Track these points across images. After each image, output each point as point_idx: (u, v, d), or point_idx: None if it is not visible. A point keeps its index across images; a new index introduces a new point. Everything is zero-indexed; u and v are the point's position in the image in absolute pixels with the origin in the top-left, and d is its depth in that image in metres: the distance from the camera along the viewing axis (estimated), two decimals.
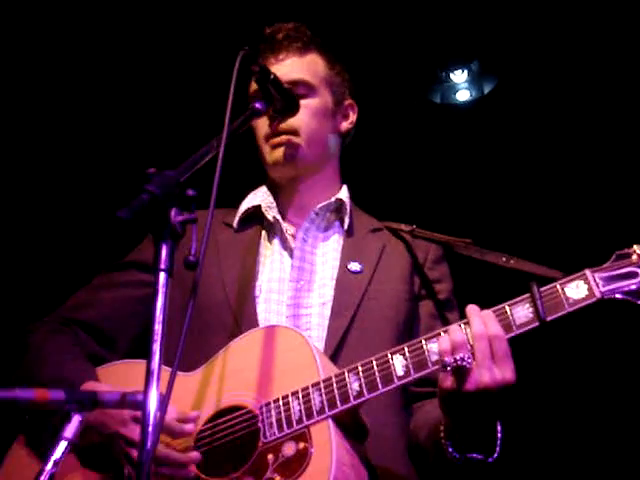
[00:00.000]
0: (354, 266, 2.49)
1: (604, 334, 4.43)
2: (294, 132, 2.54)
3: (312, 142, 2.57)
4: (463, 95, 5.12)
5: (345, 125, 2.73)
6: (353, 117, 2.75)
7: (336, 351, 2.32)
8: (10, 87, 4.49)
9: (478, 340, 2.00)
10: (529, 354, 3.17)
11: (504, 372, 1.99)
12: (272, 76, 2.30)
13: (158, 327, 1.72)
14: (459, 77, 5.07)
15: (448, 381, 2.03)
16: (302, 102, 2.55)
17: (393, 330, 2.40)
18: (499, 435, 2.14)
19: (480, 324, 2.01)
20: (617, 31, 4.49)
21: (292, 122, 2.51)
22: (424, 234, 2.57)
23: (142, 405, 1.66)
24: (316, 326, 2.39)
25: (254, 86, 2.56)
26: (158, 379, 1.68)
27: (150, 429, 1.62)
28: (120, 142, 4.76)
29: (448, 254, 2.58)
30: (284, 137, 2.54)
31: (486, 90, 5.05)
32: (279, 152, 2.56)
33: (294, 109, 2.43)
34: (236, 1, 4.45)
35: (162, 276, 1.75)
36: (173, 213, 1.78)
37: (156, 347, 1.70)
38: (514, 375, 2.00)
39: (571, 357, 4.68)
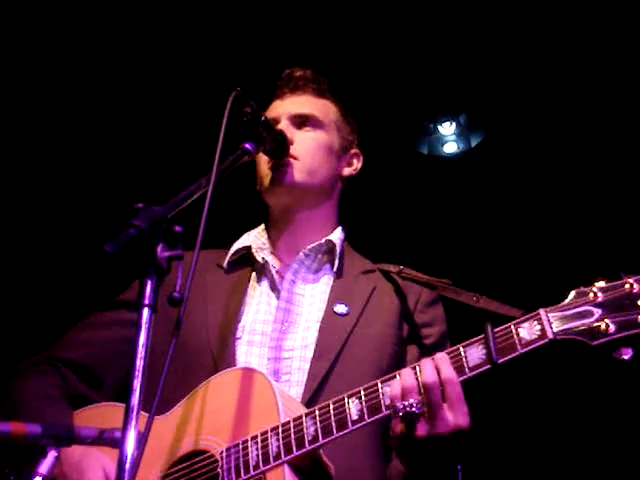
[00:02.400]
0: (340, 308, 2.46)
1: (566, 373, 4.46)
2: (295, 157, 2.56)
3: (311, 172, 2.58)
4: (450, 147, 5.18)
5: (348, 170, 2.76)
6: (357, 165, 2.79)
7: (314, 395, 2.28)
8: None
9: (428, 387, 1.94)
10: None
11: (457, 417, 1.93)
12: (263, 118, 2.33)
13: (139, 363, 1.70)
14: (447, 129, 5.13)
15: (398, 427, 1.98)
16: (309, 134, 2.62)
17: (375, 374, 2.29)
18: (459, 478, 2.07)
19: (430, 369, 1.96)
20: (601, 87, 4.57)
21: (296, 148, 2.55)
22: (410, 275, 2.56)
23: (120, 442, 1.64)
24: (296, 370, 2.36)
25: None
26: (137, 416, 1.66)
27: (127, 466, 1.59)
28: (112, 176, 4.77)
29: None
30: (285, 160, 2.54)
31: (473, 143, 5.11)
32: (277, 174, 2.56)
33: (284, 152, 2.46)
34: (230, 42, 4.50)
35: (145, 312, 1.74)
36: (159, 249, 1.78)
37: (137, 383, 1.68)
38: (468, 420, 1.94)
39: (533, 396, 4.71)
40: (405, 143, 5.14)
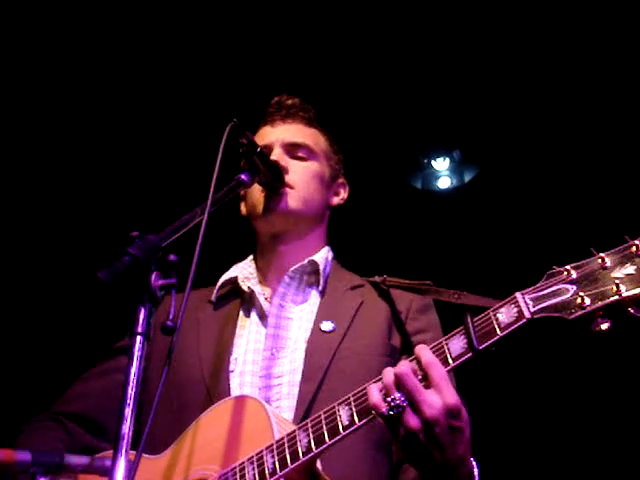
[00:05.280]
0: (326, 325, 2.43)
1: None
2: (291, 186, 2.57)
3: (305, 201, 2.59)
4: (444, 182, 5.22)
5: (336, 200, 2.77)
6: (344, 195, 2.81)
7: (305, 418, 2.22)
8: None
9: (401, 375, 1.90)
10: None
11: (445, 397, 1.88)
12: (259, 149, 2.34)
13: (131, 392, 1.70)
14: (441, 165, 5.17)
15: (392, 425, 1.92)
16: (302, 164, 2.62)
17: None
18: (476, 472, 2.01)
19: (404, 362, 1.94)
20: (593, 123, 4.62)
21: (291, 177, 2.56)
22: (393, 282, 2.53)
23: (110, 470, 1.63)
24: (286, 395, 2.34)
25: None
26: (128, 444, 1.65)
27: None
28: (109, 204, 4.79)
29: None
30: (281, 188, 2.54)
31: (467, 178, 5.15)
32: (272, 201, 2.55)
33: (279, 182, 2.47)
34: (227, 74, 4.55)
35: (138, 340, 1.74)
36: (153, 277, 1.78)
37: (128, 411, 1.68)
38: (455, 398, 1.89)
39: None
40: (399, 178, 5.17)
